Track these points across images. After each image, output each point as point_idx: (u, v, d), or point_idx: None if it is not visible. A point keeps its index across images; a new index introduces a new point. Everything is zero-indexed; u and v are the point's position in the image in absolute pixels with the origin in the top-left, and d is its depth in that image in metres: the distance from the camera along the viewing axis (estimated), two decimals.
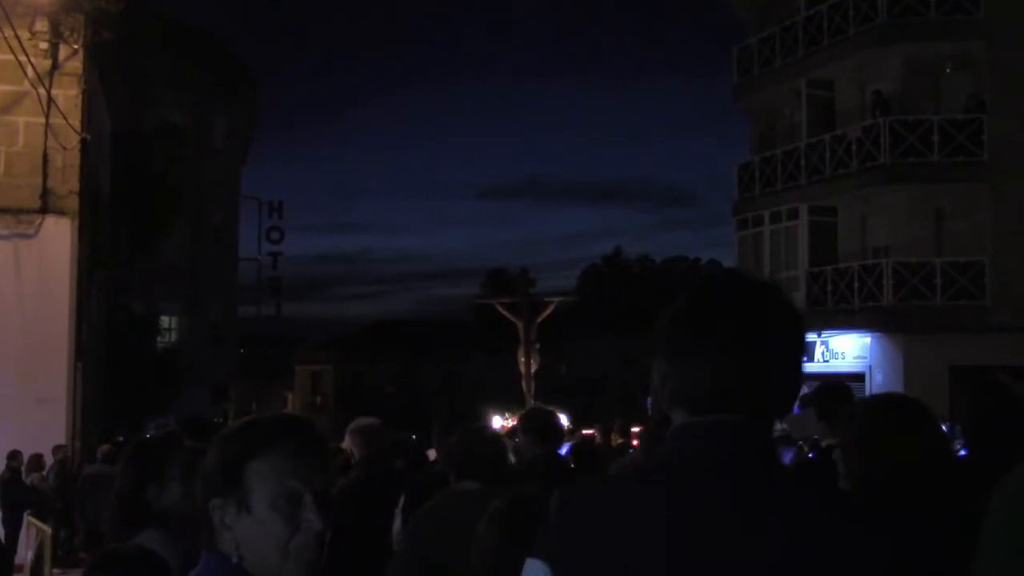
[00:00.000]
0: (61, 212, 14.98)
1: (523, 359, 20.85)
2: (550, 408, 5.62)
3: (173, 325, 31.76)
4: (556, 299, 21.91)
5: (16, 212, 14.79)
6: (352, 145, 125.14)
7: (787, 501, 1.47)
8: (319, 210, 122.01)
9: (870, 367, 22.31)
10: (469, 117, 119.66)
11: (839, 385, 5.49)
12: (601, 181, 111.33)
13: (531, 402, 20.13)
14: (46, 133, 14.84)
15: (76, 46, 15.08)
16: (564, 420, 18.58)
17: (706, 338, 1.52)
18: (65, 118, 14.83)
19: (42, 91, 14.52)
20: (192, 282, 32.09)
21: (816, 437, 6.46)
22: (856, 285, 22.02)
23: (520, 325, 20.84)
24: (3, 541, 9.85)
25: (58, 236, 14.89)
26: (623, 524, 1.47)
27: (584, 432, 14.71)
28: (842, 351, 23.46)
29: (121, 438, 15.79)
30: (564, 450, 7.05)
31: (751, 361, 1.50)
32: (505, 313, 21.22)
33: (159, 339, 28.39)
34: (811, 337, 23.95)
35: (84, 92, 15.33)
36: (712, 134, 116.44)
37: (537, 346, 20.97)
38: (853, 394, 5.32)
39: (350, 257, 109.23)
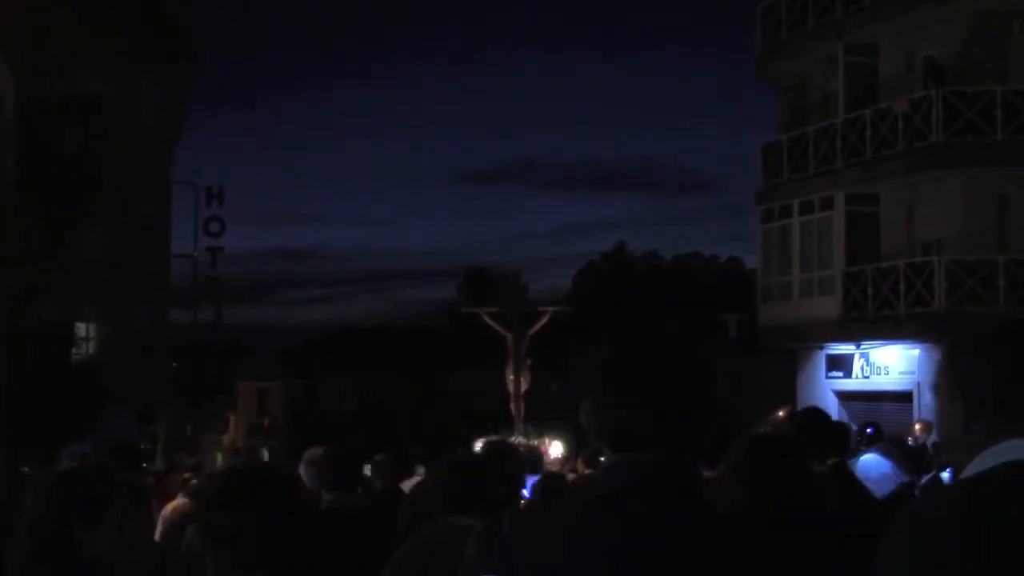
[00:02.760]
0: None
1: (512, 377, 20.68)
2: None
3: (91, 333, 31.54)
4: (553, 308, 21.65)
5: None
6: (306, 122, 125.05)
7: (696, 531, 2.05)
8: (266, 198, 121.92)
9: (918, 384, 22.30)
10: (446, 90, 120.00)
11: (819, 415, 5.82)
12: (601, 165, 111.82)
13: (520, 426, 20.04)
14: None
15: None
16: (558, 446, 18.57)
17: (619, 387, 2.15)
18: None
19: None
20: (115, 282, 31.90)
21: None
22: (902, 287, 22.06)
23: (510, 338, 20.66)
24: None
25: None
26: (569, 548, 2.02)
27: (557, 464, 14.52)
28: (885, 365, 23.50)
29: (26, 469, 15.56)
30: (529, 484, 7.01)
31: (657, 407, 2.11)
32: (492, 323, 21.04)
33: (74, 350, 28.13)
34: (849, 349, 24.05)
35: None
36: (732, 110, 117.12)
37: (528, 362, 20.81)
38: (829, 418, 5.82)
39: (303, 253, 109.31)
